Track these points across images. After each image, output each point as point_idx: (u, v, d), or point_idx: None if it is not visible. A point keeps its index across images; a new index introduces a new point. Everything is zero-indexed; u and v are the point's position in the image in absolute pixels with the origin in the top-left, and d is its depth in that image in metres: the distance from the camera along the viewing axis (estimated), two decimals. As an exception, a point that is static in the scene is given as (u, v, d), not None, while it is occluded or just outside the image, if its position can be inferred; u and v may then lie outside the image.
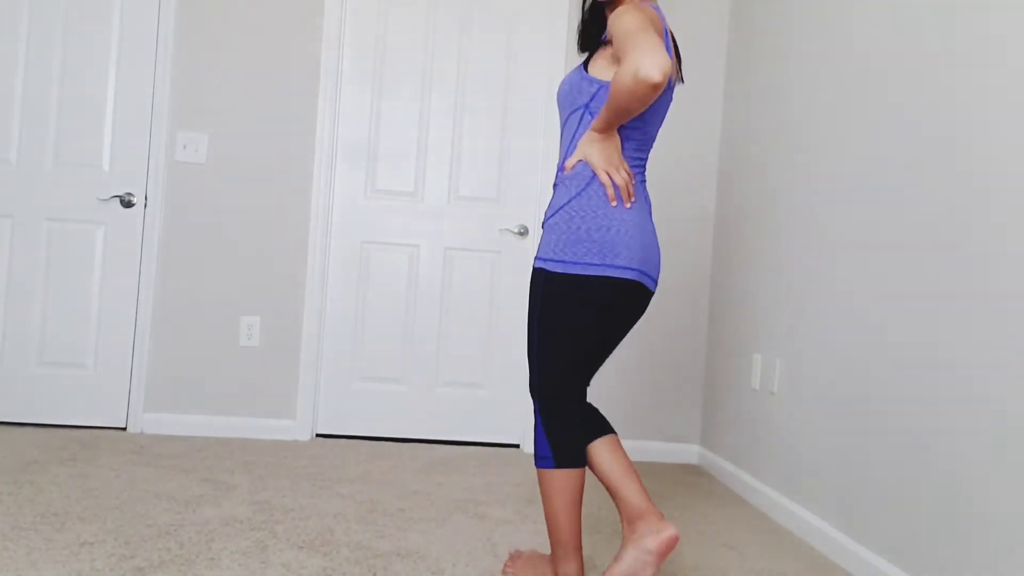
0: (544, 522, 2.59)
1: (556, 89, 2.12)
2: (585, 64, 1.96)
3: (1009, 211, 1.84)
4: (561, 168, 1.92)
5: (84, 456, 3.05)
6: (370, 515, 2.56)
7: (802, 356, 2.79)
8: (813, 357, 2.71)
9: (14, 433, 3.34)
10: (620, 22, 1.76)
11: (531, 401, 3.64)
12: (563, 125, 1.99)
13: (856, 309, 2.46)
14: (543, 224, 1.92)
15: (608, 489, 1.90)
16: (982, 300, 1.91)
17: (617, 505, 1.88)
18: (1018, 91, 1.84)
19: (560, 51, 3.66)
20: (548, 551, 2.28)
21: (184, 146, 3.56)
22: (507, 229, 3.69)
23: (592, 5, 2.09)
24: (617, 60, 1.80)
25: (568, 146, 1.95)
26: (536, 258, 1.90)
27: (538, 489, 2.94)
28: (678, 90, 3.68)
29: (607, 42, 1.90)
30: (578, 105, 1.92)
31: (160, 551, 2.12)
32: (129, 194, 3.56)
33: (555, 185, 1.94)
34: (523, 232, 3.69)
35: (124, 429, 3.54)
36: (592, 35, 2.08)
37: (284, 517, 2.48)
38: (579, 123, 1.92)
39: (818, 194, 2.75)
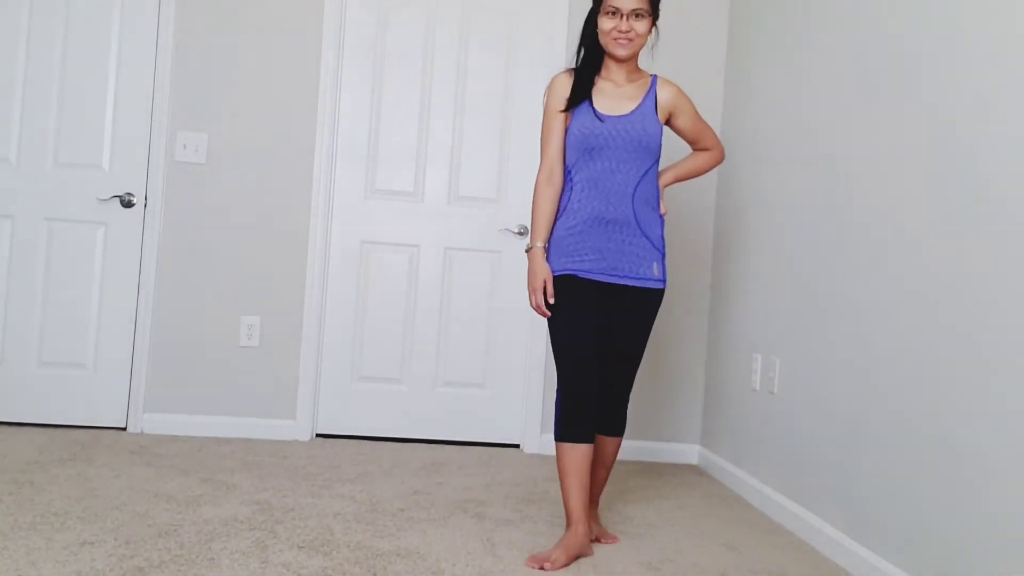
0: (543, 520, 2.60)
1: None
2: (653, 112, 2.39)
3: (1012, 211, 1.84)
4: (658, 208, 2.42)
5: (84, 456, 3.05)
6: (370, 515, 2.56)
7: (802, 356, 2.78)
8: (813, 357, 2.71)
9: (14, 433, 3.34)
10: (691, 103, 2.49)
11: (529, 402, 3.66)
12: (649, 168, 2.38)
13: (856, 309, 2.46)
14: (663, 257, 2.42)
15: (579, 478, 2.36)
16: (983, 299, 1.91)
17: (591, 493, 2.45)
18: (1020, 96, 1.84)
19: (560, 51, 3.66)
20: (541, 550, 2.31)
21: (184, 146, 3.56)
22: (507, 229, 3.69)
23: (588, 52, 2.41)
24: (664, 123, 2.44)
25: (653, 188, 2.40)
26: (659, 281, 2.40)
27: (538, 489, 3.00)
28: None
29: (653, 97, 2.40)
30: (659, 155, 2.41)
31: (160, 551, 2.12)
32: (129, 194, 3.56)
33: (640, 217, 2.37)
34: (523, 232, 3.69)
35: (124, 429, 3.54)
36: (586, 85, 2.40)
37: (284, 517, 2.48)
38: (656, 174, 2.43)
39: (819, 193, 2.75)
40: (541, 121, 2.46)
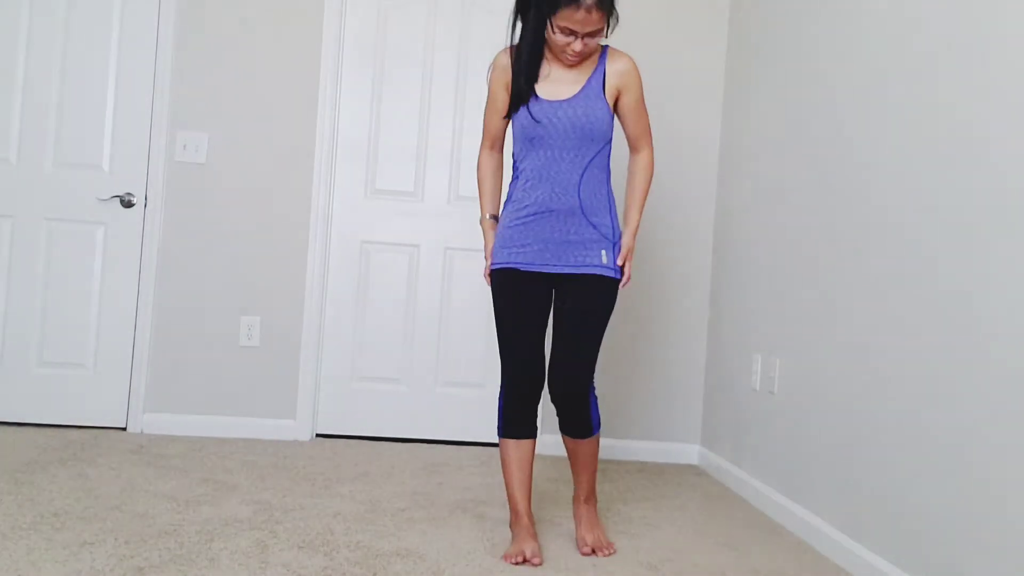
0: (543, 520, 2.59)
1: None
2: (600, 92, 2.26)
3: (1009, 212, 1.84)
4: (608, 196, 2.32)
5: (84, 456, 3.05)
6: (370, 515, 2.56)
7: (802, 356, 2.79)
8: (813, 357, 2.71)
9: (14, 433, 3.34)
10: (640, 82, 2.32)
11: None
12: (595, 154, 2.28)
13: (856, 309, 2.46)
14: (615, 245, 2.30)
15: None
16: (983, 298, 1.91)
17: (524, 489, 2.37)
18: (1013, 99, 1.84)
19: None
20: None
21: (184, 146, 3.56)
22: (507, 229, 3.69)
23: (531, 46, 2.23)
24: (612, 106, 2.29)
25: (602, 175, 2.30)
26: (609, 268, 2.28)
27: (537, 489, 2.97)
28: (679, 90, 3.68)
29: (602, 76, 2.27)
30: (608, 138, 2.30)
31: (160, 551, 2.12)
32: (129, 194, 3.56)
33: (587, 205, 2.27)
34: (523, 232, 3.68)
35: (124, 429, 3.54)
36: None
37: (284, 517, 2.48)
38: (606, 156, 2.31)
39: (818, 194, 2.75)
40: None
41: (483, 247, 2.42)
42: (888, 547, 2.21)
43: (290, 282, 3.62)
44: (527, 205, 2.27)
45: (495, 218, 2.40)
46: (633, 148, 2.40)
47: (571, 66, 2.25)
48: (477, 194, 2.64)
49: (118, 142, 3.56)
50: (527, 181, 2.28)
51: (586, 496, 2.44)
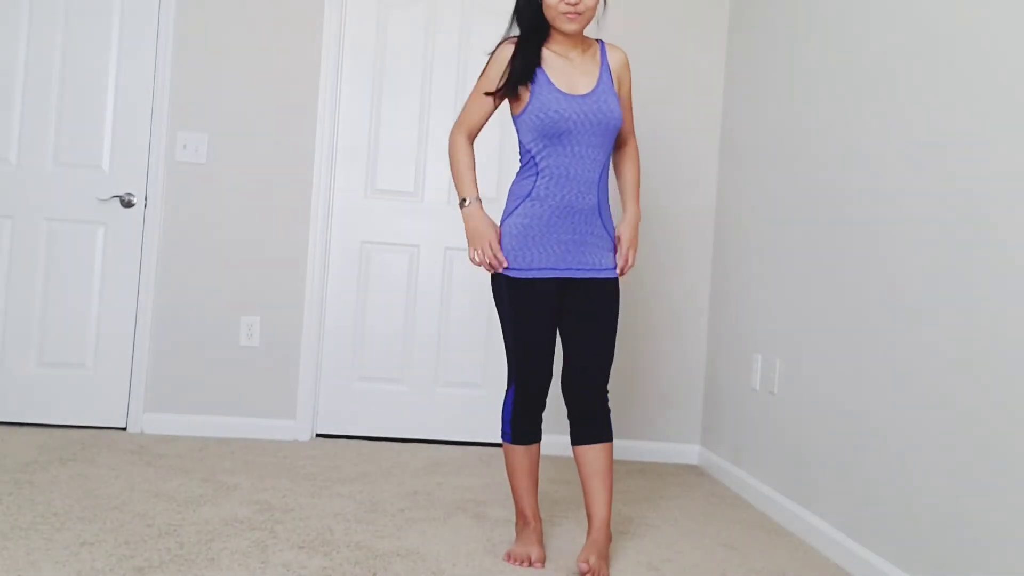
0: (543, 520, 2.59)
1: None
2: (611, 86, 2.25)
3: (1010, 215, 1.84)
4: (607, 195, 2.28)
5: (84, 456, 3.05)
6: (370, 515, 2.56)
7: (802, 356, 2.79)
8: (813, 357, 2.71)
9: (14, 433, 3.34)
10: (631, 76, 2.35)
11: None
12: (609, 153, 2.26)
13: (856, 309, 2.46)
14: (614, 244, 2.28)
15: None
16: (982, 301, 1.91)
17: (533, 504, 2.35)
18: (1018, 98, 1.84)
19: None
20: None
21: (184, 146, 3.56)
22: (507, 229, 3.69)
23: (532, 31, 2.17)
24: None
25: (608, 175, 2.26)
26: (613, 269, 2.27)
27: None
28: (678, 89, 3.69)
29: (609, 71, 2.25)
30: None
31: (160, 551, 2.12)
32: (129, 194, 3.55)
33: (601, 205, 2.25)
34: (523, 232, 3.68)
35: (124, 429, 3.54)
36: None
37: (284, 517, 2.48)
38: (611, 155, 2.31)
39: (818, 194, 2.75)
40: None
41: (474, 235, 2.22)
42: (888, 547, 2.21)
43: (290, 282, 3.61)
44: (552, 205, 2.18)
45: (480, 201, 2.25)
46: (622, 142, 2.37)
47: (571, 34, 2.16)
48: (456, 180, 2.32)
49: (118, 142, 3.56)
50: (550, 178, 2.18)
51: (598, 527, 2.21)
